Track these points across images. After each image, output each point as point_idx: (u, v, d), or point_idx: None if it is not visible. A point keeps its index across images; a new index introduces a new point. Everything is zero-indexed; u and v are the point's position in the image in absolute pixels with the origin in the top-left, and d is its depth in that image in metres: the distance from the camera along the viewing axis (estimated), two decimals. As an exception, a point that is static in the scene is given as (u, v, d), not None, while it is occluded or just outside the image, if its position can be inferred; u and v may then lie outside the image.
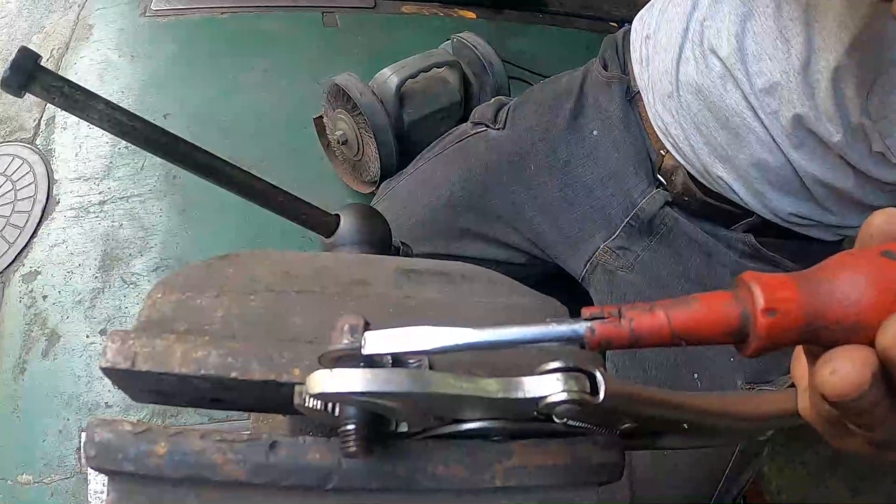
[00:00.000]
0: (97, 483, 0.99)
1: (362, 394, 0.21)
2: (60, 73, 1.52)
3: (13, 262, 1.27)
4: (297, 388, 0.23)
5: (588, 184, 0.91)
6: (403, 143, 1.20)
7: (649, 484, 0.89)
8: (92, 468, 0.25)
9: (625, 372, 0.88)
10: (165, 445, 0.25)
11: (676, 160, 0.82)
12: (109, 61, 1.55)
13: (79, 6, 1.70)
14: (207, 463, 0.24)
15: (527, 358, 0.27)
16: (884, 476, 1.49)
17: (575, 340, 0.22)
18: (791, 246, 0.82)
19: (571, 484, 0.29)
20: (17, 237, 1.30)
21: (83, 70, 1.54)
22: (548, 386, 0.23)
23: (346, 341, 0.22)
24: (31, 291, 1.23)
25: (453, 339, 0.22)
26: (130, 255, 1.29)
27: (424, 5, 1.77)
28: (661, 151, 0.84)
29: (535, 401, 0.23)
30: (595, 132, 0.90)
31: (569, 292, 1.02)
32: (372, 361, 0.23)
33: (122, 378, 0.28)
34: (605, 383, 0.24)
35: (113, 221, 1.32)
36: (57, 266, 1.26)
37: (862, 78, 0.63)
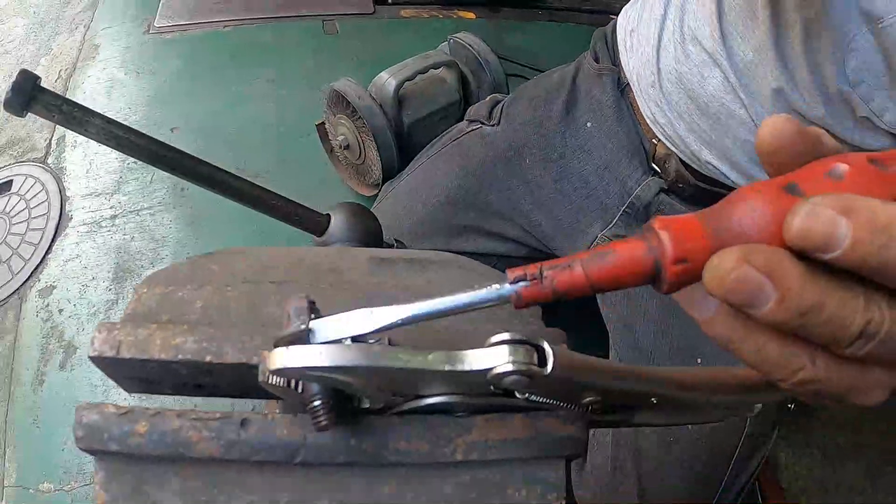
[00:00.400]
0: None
1: (316, 368, 0.23)
2: (69, 92, 1.57)
3: (29, 278, 1.30)
4: (260, 367, 0.25)
5: (583, 175, 0.92)
6: (404, 144, 1.22)
7: (656, 472, 0.90)
8: (81, 449, 0.27)
9: (629, 362, 0.89)
10: (146, 425, 0.26)
11: (668, 148, 0.83)
12: (116, 79, 1.58)
13: (84, 27, 1.74)
14: (184, 440, 0.26)
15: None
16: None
17: (503, 303, 0.24)
18: None
19: (535, 458, 0.30)
20: (33, 254, 1.33)
21: (91, 89, 1.57)
22: (494, 358, 0.24)
23: (294, 325, 0.24)
24: (48, 306, 1.26)
25: (391, 316, 0.23)
26: (142, 266, 1.32)
27: (423, 8, 1.79)
28: (654, 140, 0.85)
29: (483, 373, 0.24)
30: (588, 124, 0.92)
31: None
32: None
33: (110, 366, 0.30)
34: (554, 354, 0.25)
35: (125, 235, 1.35)
36: (72, 280, 1.29)
37: (836, 42, 0.62)
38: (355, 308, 0.27)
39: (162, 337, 0.28)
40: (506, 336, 0.25)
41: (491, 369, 0.24)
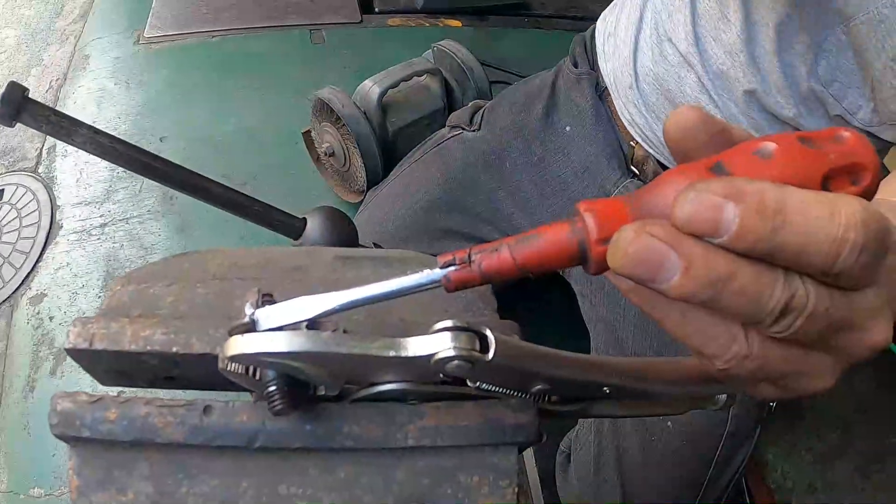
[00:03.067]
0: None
1: (268, 354, 0.25)
2: (59, 102, 1.58)
3: (20, 286, 1.32)
4: (219, 354, 0.26)
5: (563, 178, 0.94)
6: (388, 151, 1.24)
7: (639, 471, 0.91)
8: (55, 436, 0.29)
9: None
10: (116, 411, 0.28)
11: (646, 150, 0.84)
12: (106, 89, 1.60)
13: (75, 38, 1.76)
14: (151, 426, 0.28)
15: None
16: (894, 460, 1.50)
17: (436, 286, 0.26)
18: None
19: (487, 444, 0.31)
20: (24, 262, 1.35)
21: (82, 99, 1.59)
22: (436, 344, 0.26)
23: (245, 316, 0.26)
24: (38, 313, 1.28)
25: (330, 302, 0.25)
26: (132, 273, 1.33)
27: (410, 17, 1.81)
28: (632, 143, 0.86)
29: (427, 359, 0.26)
30: (568, 128, 0.94)
31: (554, 285, 1.05)
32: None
33: (85, 359, 0.31)
34: (495, 341, 0.27)
35: (114, 243, 1.37)
36: (62, 288, 1.31)
37: (806, 43, 0.64)
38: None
39: (132, 329, 0.30)
40: (448, 323, 0.26)
41: (434, 355, 0.26)
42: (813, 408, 1.55)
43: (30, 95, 0.48)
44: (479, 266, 0.25)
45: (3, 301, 1.30)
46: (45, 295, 1.30)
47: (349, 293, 0.25)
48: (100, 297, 1.29)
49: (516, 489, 0.32)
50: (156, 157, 0.53)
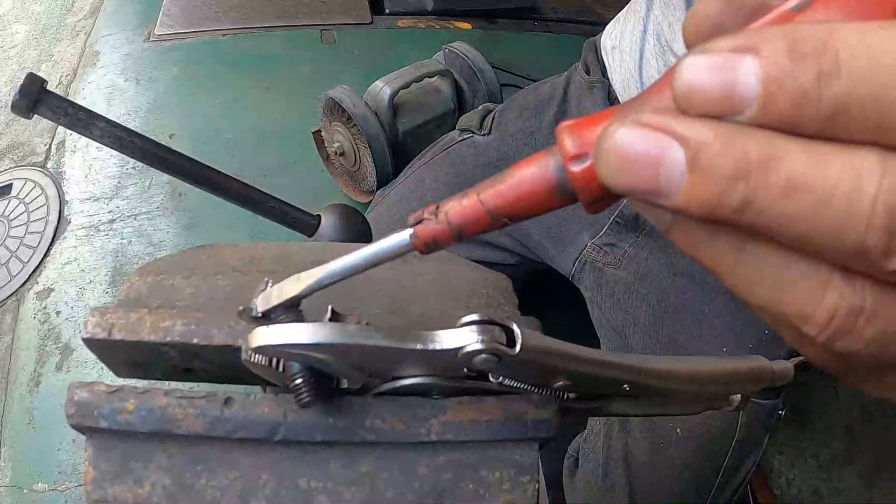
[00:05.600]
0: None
1: (295, 346, 0.24)
2: (70, 98, 1.58)
3: (27, 280, 1.31)
4: (243, 345, 0.26)
5: None
6: (399, 152, 1.24)
7: (646, 477, 0.91)
8: (72, 426, 0.28)
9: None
10: (134, 402, 0.28)
11: None
12: (116, 85, 1.60)
13: (85, 34, 1.77)
14: (170, 417, 0.27)
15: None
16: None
17: (407, 248, 0.23)
18: None
19: (508, 440, 0.31)
20: (31, 256, 1.34)
21: (91, 95, 1.59)
22: (464, 337, 0.26)
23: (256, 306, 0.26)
24: (45, 308, 1.28)
25: (310, 279, 0.26)
26: (139, 270, 1.33)
27: (420, 19, 1.81)
28: None
29: (454, 352, 0.26)
30: None
31: (562, 291, 1.05)
32: (303, 318, 0.26)
33: (102, 349, 0.31)
34: (521, 336, 0.26)
35: (122, 239, 1.37)
36: (69, 283, 1.31)
37: None
38: (331, 298, 0.28)
39: (152, 320, 0.30)
40: (475, 317, 0.26)
41: (461, 348, 0.25)
42: (819, 415, 1.55)
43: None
44: (446, 216, 0.22)
45: (10, 295, 1.30)
46: (52, 290, 1.30)
47: (332, 265, 0.25)
48: (107, 292, 1.28)
49: (536, 485, 0.32)
50: (172, 151, 0.53)
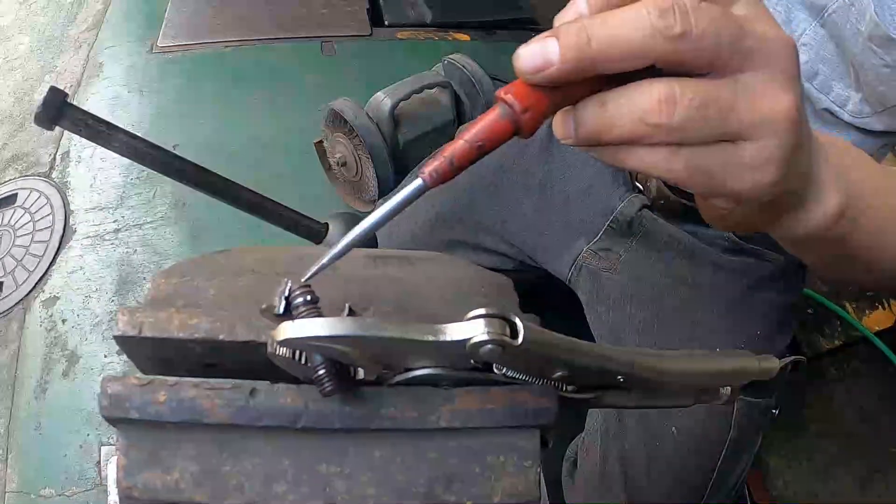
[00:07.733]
0: (116, 494, 1.04)
1: (317, 338, 0.26)
2: (74, 109, 1.60)
3: (33, 289, 1.34)
4: (268, 339, 0.28)
5: (567, 193, 0.95)
6: (399, 162, 1.26)
7: (643, 475, 0.92)
8: (104, 417, 0.31)
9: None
10: (165, 394, 0.30)
11: None
12: (120, 97, 1.63)
13: (88, 45, 1.79)
14: (199, 408, 0.30)
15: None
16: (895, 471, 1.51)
17: (422, 189, 0.31)
18: (771, 237, 0.86)
19: (512, 427, 0.33)
20: (37, 265, 1.37)
21: (95, 106, 1.62)
22: (471, 329, 0.28)
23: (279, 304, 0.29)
24: (51, 316, 1.30)
25: (346, 240, 0.31)
26: (144, 279, 1.35)
27: (419, 30, 1.84)
28: None
29: (462, 343, 0.28)
30: (571, 148, 0.95)
31: (559, 296, 1.07)
32: (322, 315, 0.28)
33: (131, 346, 0.33)
34: (524, 328, 0.29)
35: (127, 248, 1.39)
36: (75, 291, 1.33)
37: None
38: (347, 296, 0.31)
39: (179, 318, 0.32)
40: (482, 311, 0.28)
41: (469, 339, 0.28)
42: (815, 418, 1.57)
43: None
44: (443, 154, 0.31)
45: (17, 303, 1.32)
46: (58, 298, 1.32)
47: (358, 227, 0.31)
48: (113, 300, 1.31)
49: (538, 469, 0.34)
50: (187, 162, 0.55)
